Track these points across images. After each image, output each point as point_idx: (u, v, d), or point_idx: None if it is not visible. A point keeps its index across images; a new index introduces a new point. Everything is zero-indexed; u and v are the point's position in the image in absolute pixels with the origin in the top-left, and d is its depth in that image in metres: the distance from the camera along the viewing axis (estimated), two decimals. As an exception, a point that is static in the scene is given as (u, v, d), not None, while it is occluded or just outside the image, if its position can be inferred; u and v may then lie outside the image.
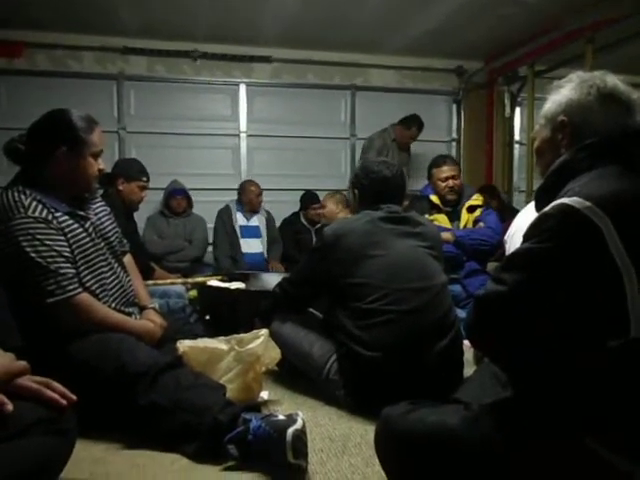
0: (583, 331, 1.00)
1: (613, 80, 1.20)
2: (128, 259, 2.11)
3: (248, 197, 4.55)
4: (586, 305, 0.99)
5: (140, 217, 3.83)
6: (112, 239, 1.95)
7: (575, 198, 1.02)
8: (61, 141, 1.76)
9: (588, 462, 1.01)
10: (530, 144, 4.03)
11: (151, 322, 1.93)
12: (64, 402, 1.16)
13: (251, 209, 4.58)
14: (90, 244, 1.82)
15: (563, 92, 1.23)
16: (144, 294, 2.09)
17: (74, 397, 1.19)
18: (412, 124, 4.78)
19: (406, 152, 4.97)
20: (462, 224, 3.31)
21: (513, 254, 1.10)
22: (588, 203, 1.00)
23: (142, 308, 2.00)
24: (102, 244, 1.88)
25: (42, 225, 1.68)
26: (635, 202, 1.03)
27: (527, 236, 1.08)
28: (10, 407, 1.07)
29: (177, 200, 4.36)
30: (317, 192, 4.80)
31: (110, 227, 1.97)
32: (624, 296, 0.96)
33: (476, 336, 1.16)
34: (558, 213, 1.03)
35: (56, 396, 1.16)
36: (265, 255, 4.52)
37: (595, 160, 1.12)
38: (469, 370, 2.01)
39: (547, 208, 1.07)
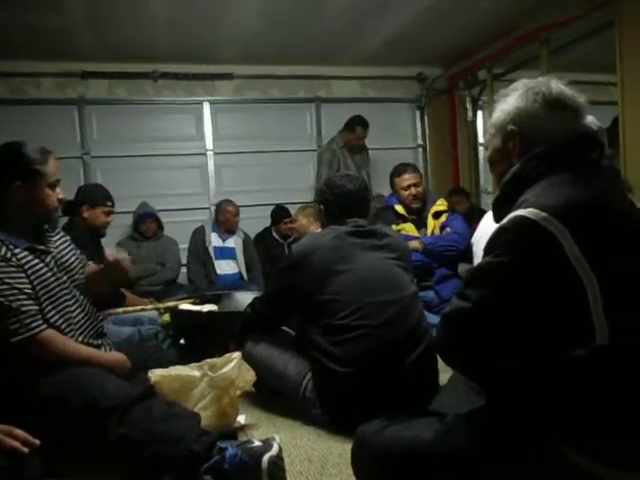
0: (549, 341, 1.01)
1: (558, 86, 1.21)
2: None
3: (225, 217, 4.50)
4: (550, 315, 1.00)
5: (109, 242, 3.77)
6: (75, 270, 1.92)
7: (531, 209, 1.03)
8: (15, 176, 1.74)
9: (560, 468, 1.02)
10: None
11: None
12: (25, 450, 1.13)
13: (227, 229, 4.52)
14: (52, 278, 1.78)
15: (510, 101, 1.24)
16: None
17: (36, 442, 1.16)
18: (354, 125, 4.73)
19: (361, 153, 4.91)
20: (429, 231, 3.34)
21: (475, 269, 1.10)
22: (544, 214, 1.01)
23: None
24: (65, 277, 1.85)
25: (2, 264, 1.65)
26: (590, 209, 1.04)
27: (487, 250, 1.09)
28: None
29: (146, 224, 4.32)
30: (287, 206, 4.81)
31: (72, 258, 1.94)
32: (587, 304, 0.97)
33: (445, 353, 1.16)
34: (515, 226, 1.04)
35: (17, 444, 1.12)
36: (244, 276, 4.46)
37: (547, 168, 1.13)
38: (445, 376, 2.01)
39: (504, 221, 1.07)
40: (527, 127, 1.19)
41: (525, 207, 1.05)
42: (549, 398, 1.03)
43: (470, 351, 1.08)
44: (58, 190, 1.84)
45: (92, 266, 2.06)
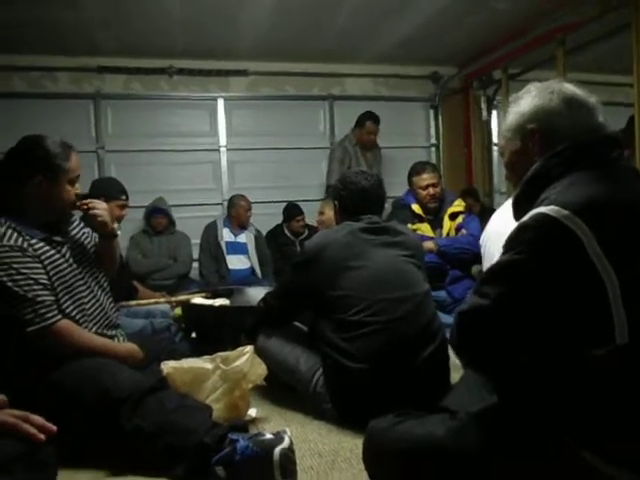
0: (568, 340, 1.01)
1: (571, 86, 1.22)
2: None
3: (237, 212, 4.54)
4: (569, 314, 0.99)
5: (122, 236, 3.79)
6: (91, 261, 1.93)
7: (552, 207, 1.02)
8: (37, 170, 1.75)
9: (573, 467, 1.01)
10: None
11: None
12: (41, 436, 1.14)
13: (239, 224, 4.55)
14: (68, 269, 1.80)
15: (525, 102, 1.24)
16: None
17: (53, 428, 1.17)
18: (364, 120, 4.73)
19: (372, 151, 4.90)
20: (444, 232, 3.31)
21: (494, 266, 1.09)
22: (566, 211, 1.00)
23: None
24: (80, 268, 1.86)
25: (17, 254, 1.66)
26: (612, 208, 1.03)
27: (507, 247, 1.08)
28: (-13, 443, 1.06)
29: (157, 219, 4.35)
30: (299, 203, 4.82)
31: (89, 247, 1.95)
32: (607, 303, 0.96)
33: (461, 350, 1.16)
34: (536, 223, 1.03)
35: (33, 430, 1.14)
36: (256, 271, 4.48)
37: (569, 166, 1.12)
38: (456, 375, 2.01)
39: (525, 218, 1.07)
40: (547, 125, 1.19)
41: (547, 204, 1.04)
42: (565, 397, 1.02)
43: (486, 348, 1.08)
44: (77, 186, 1.86)
45: None
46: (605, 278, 0.96)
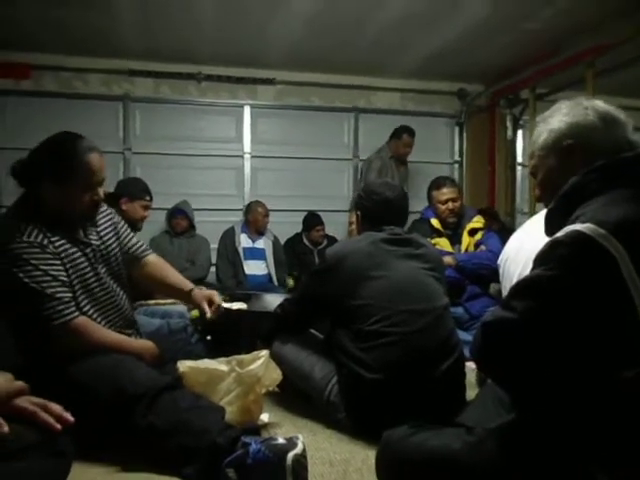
0: (595, 360, 0.99)
1: (601, 102, 1.22)
2: (155, 259, 2.15)
3: (254, 217, 4.57)
4: (598, 334, 0.97)
5: (144, 237, 3.83)
6: (114, 258, 1.92)
7: (588, 225, 1.00)
8: (47, 173, 1.71)
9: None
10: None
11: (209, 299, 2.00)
12: (58, 427, 1.14)
13: (257, 230, 4.58)
14: (89, 268, 1.80)
15: (557, 120, 1.23)
16: (182, 280, 2.13)
17: (71, 418, 1.18)
18: (401, 132, 4.76)
19: (404, 166, 4.94)
20: (463, 247, 3.28)
21: (524, 280, 1.07)
22: (602, 231, 0.98)
23: (189, 292, 2.05)
24: (103, 269, 1.86)
25: (37, 250, 1.66)
26: None
27: (538, 262, 1.06)
28: (6, 429, 1.06)
29: (177, 220, 4.41)
30: (320, 213, 4.83)
31: (114, 245, 1.94)
32: (638, 326, 0.94)
33: (483, 361, 1.14)
34: (571, 240, 1.01)
35: (51, 420, 1.14)
36: (273, 277, 4.50)
37: (607, 182, 1.10)
38: (471, 392, 1.99)
39: (559, 234, 1.04)
40: (584, 140, 1.19)
41: (582, 222, 1.02)
42: (589, 419, 1.00)
43: (509, 362, 1.05)
44: (100, 190, 1.78)
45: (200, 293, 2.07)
46: (637, 299, 0.94)
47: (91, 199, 1.77)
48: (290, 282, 4.49)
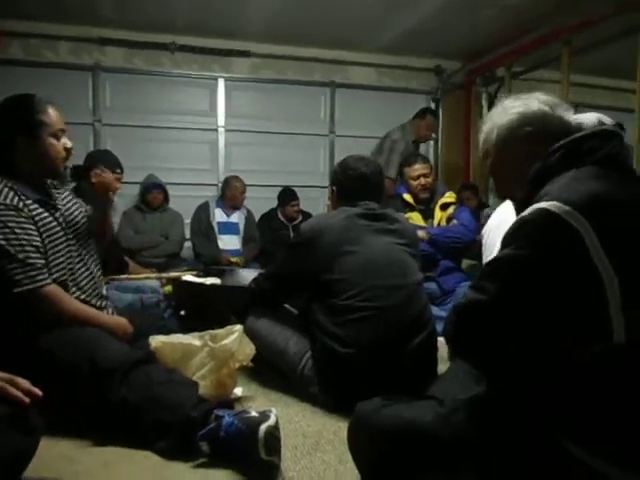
0: (564, 337, 1.00)
1: (537, 93, 1.25)
2: None
3: (232, 193, 4.54)
4: (567, 311, 0.99)
5: (115, 211, 3.77)
6: (82, 229, 1.91)
7: (554, 202, 1.01)
8: (18, 129, 1.73)
9: (562, 462, 1.01)
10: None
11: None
12: (27, 400, 1.13)
13: (233, 205, 4.56)
14: (60, 233, 1.78)
15: (503, 115, 1.25)
16: None
17: (39, 393, 1.16)
18: (424, 112, 4.53)
19: (417, 149, 4.70)
20: (435, 222, 3.33)
21: (493, 261, 1.08)
22: (567, 207, 0.99)
23: None
24: (72, 235, 1.84)
25: (12, 212, 1.64)
26: (614, 205, 1.02)
27: (506, 242, 1.07)
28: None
29: (153, 194, 4.33)
30: (295, 188, 4.80)
31: (80, 217, 1.92)
32: (605, 302, 0.95)
33: (456, 344, 1.15)
34: (537, 218, 1.02)
35: (19, 394, 1.12)
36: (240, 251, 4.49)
37: (569, 161, 1.11)
38: (443, 366, 2.02)
39: (525, 213, 1.05)
40: (540, 124, 1.20)
41: (547, 200, 1.02)
42: (557, 392, 1.02)
43: (482, 343, 1.07)
44: (65, 140, 1.80)
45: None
46: (604, 277, 0.95)
47: (64, 147, 1.80)
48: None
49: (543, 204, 1.02)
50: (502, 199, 1.35)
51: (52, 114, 1.78)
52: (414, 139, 4.51)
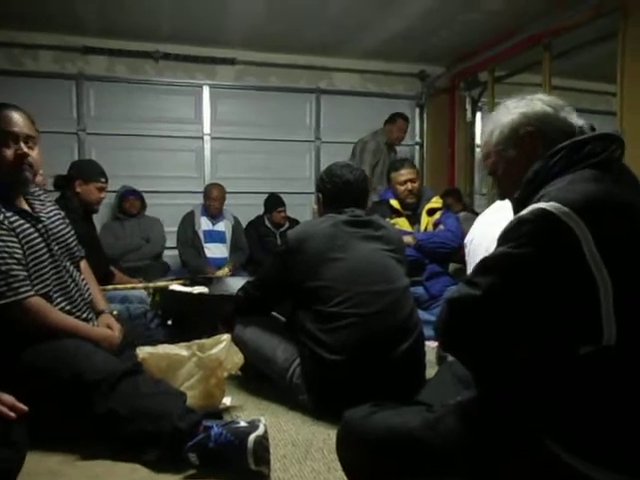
0: (555, 337, 1.01)
1: (540, 94, 1.26)
2: (83, 264, 2.04)
3: (209, 201, 4.53)
4: (559, 311, 0.99)
5: (97, 220, 3.74)
6: (69, 242, 1.89)
7: (552, 203, 1.01)
8: None
9: (549, 464, 1.01)
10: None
11: (109, 328, 1.88)
12: (12, 415, 1.12)
13: (212, 213, 4.54)
14: (42, 244, 1.76)
15: (506, 114, 1.25)
16: (100, 298, 2.03)
17: (24, 408, 1.15)
18: (395, 117, 4.80)
19: (394, 152, 4.94)
20: (422, 227, 3.34)
21: (488, 258, 1.08)
22: (565, 209, 0.99)
23: (98, 313, 1.95)
24: (56, 247, 1.82)
25: None
26: (611, 208, 1.03)
27: (502, 240, 1.07)
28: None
29: (130, 201, 4.37)
30: (281, 195, 4.80)
31: (66, 231, 1.90)
32: (598, 303, 0.96)
33: (446, 338, 1.15)
34: (535, 218, 1.02)
35: (4, 409, 1.11)
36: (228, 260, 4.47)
37: (569, 164, 1.12)
38: (431, 371, 2.02)
39: (523, 212, 1.06)
40: (541, 125, 1.20)
41: (546, 200, 1.03)
42: (547, 394, 1.03)
43: (473, 339, 1.07)
44: (19, 146, 1.70)
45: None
46: (598, 279, 0.96)
47: (14, 153, 1.69)
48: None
49: (542, 204, 1.03)
50: (503, 199, 1.35)
51: (7, 117, 1.70)
52: (386, 141, 4.72)
